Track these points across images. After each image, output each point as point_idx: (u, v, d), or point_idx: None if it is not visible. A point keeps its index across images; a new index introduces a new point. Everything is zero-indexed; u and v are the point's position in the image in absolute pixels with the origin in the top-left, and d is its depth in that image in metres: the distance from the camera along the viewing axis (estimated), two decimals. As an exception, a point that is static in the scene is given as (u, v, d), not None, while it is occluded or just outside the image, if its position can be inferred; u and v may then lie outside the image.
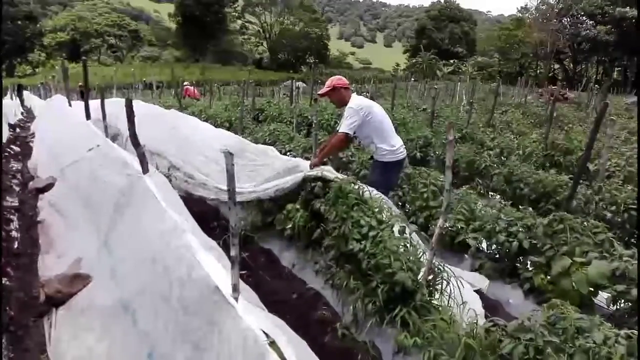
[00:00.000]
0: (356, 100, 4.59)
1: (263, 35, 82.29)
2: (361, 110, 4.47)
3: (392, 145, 4.62)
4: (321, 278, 3.81)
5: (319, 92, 5.00)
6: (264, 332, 1.87)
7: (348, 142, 4.76)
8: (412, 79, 33.37)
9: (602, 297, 3.25)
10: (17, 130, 13.04)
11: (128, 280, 2.98)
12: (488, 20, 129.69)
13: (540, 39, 53.47)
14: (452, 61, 60.06)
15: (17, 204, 5.50)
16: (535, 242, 3.75)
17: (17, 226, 4.81)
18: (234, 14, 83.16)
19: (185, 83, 21.15)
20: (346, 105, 4.62)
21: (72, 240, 4.25)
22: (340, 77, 4.86)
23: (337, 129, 4.66)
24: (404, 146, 4.83)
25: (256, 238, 4.79)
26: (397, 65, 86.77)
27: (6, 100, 17.38)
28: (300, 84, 26.98)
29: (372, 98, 5.73)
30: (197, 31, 71.88)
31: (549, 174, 5.66)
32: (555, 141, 7.08)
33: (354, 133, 4.58)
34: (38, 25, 64.38)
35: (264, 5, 79.63)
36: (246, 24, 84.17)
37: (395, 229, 3.40)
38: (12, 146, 9.45)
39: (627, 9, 46.77)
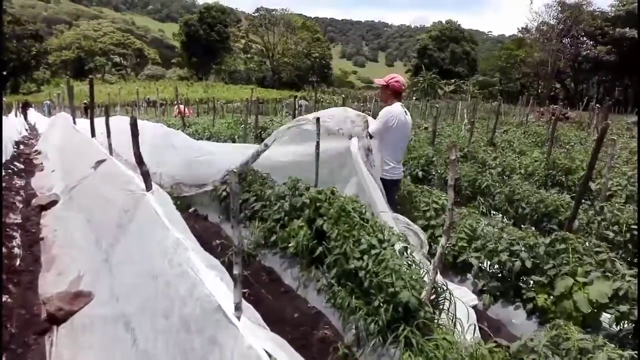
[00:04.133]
0: (392, 109, 4.75)
1: (266, 54, 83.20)
2: (390, 119, 4.67)
3: (391, 164, 4.80)
4: (323, 297, 3.79)
5: (378, 80, 5.05)
6: (266, 351, 1.86)
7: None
8: (414, 98, 33.59)
9: (606, 317, 3.24)
10: (21, 147, 13.12)
11: (129, 298, 2.98)
12: (489, 40, 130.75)
13: (541, 59, 53.94)
14: (453, 80, 60.46)
15: (19, 221, 5.51)
16: (537, 261, 3.74)
17: (20, 243, 4.81)
18: (238, 33, 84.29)
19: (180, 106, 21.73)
20: (386, 105, 4.86)
21: (74, 257, 4.25)
22: (398, 79, 4.93)
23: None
24: (402, 168, 5.09)
25: (258, 256, 4.78)
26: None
27: (11, 118, 17.53)
28: (303, 102, 27.18)
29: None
30: (201, 50, 72.89)
31: (551, 194, 5.66)
32: (557, 160, 7.09)
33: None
34: (44, 44, 65.07)
35: (267, 26, 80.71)
36: (249, 43, 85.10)
37: (397, 247, 3.40)
38: (15, 163, 9.49)
39: (627, 29, 47.29)
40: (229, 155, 6.08)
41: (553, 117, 9.97)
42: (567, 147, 10.13)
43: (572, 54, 53.10)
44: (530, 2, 75.70)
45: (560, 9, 53.58)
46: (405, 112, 4.90)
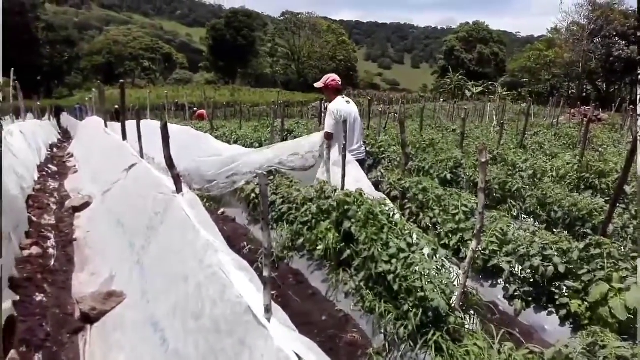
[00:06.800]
0: (336, 105, 5.56)
1: (292, 58, 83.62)
2: (337, 113, 5.42)
3: (353, 148, 5.56)
4: (351, 300, 3.78)
5: (317, 83, 5.90)
6: (296, 353, 1.86)
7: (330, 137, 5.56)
8: (441, 100, 33.30)
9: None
10: (55, 150, 13.48)
11: (160, 299, 3.01)
12: (518, 41, 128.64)
13: (572, 60, 52.79)
14: (481, 82, 59.67)
15: (54, 222, 5.66)
16: (571, 266, 3.65)
17: (54, 244, 4.93)
18: (264, 37, 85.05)
19: (194, 108, 22.44)
20: (330, 102, 5.69)
21: (106, 258, 4.34)
22: (334, 78, 5.79)
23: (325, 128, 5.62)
24: (362, 150, 6.01)
25: (286, 259, 4.79)
26: (425, 86, 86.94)
27: (44, 122, 18.05)
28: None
29: (401, 121, 6.01)
30: (228, 54, 73.75)
31: (584, 197, 5.52)
32: (590, 163, 6.92)
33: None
34: (75, 49, 66.69)
35: (292, 30, 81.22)
36: (275, 46, 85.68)
37: (426, 251, 3.37)
38: (49, 165, 9.76)
39: (662, 28, 45.93)
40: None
41: (585, 119, 9.74)
42: (600, 149, 9.87)
43: (603, 54, 51.82)
44: (560, 2, 73.76)
45: (591, 8, 52.39)
46: (347, 101, 5.73)
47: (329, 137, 5.51)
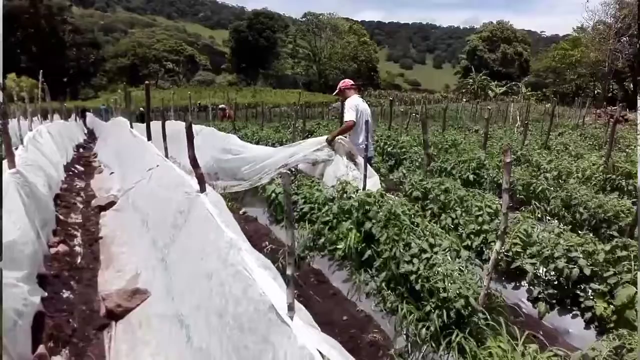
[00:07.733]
0: (353, 101, 6.04)
1: (313, 59, 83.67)
2: (356, 107, 5.95)
3: (360, 143, 5.82)
4: (372, 300, 3.78)
5: (335, 93, 6.51)
6: (319, 351, 1.87)
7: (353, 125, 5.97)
8: (464, 100, 32.97)
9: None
10: (81, 150, 13.75)
11: (184, 296, 3.06)
12: (542, 41, 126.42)
13: (598, 59, 51.75)
14: (504, 82, 58.86)
15: (80, 221, 5.77)
16: (596, 269, 3.59)
17: (80, 242, 5.03)
18: (286, 39, 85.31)
19: (221, 106, 21.89)
20: (345, 99, 6.15)
21: (131, 256, 4.41)
22: (344, 81, 6.39)
23: (345, 119, 6.04)
24: (372, 145, 6.61)
25: (307, 258, 4.80)
26: (447, 86, 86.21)
27: (71, 123, 18.43)
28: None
29: (423, 121, 6.08)
30: (250, 56, 74.23)
31: (610, 199, 5.42)
32: (617, 164, 6.79)
33: None
34: (101, 52, 67.90)
35: (314, 31, 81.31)
36: (297, 48, 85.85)
37: (448, 252, 3.35)
38: (76, 165, 9.95)
39: (692, 26, 44.70)
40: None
41: (611, 119, 9.55)
42: (627, 150, 9.67)
43: (631, 54, 50.68)
44: (586, 1, 72.24)
45: (618, 6, 51.24)
46: (362, 100, 6.25)
47: (351, 125, 5.91)
